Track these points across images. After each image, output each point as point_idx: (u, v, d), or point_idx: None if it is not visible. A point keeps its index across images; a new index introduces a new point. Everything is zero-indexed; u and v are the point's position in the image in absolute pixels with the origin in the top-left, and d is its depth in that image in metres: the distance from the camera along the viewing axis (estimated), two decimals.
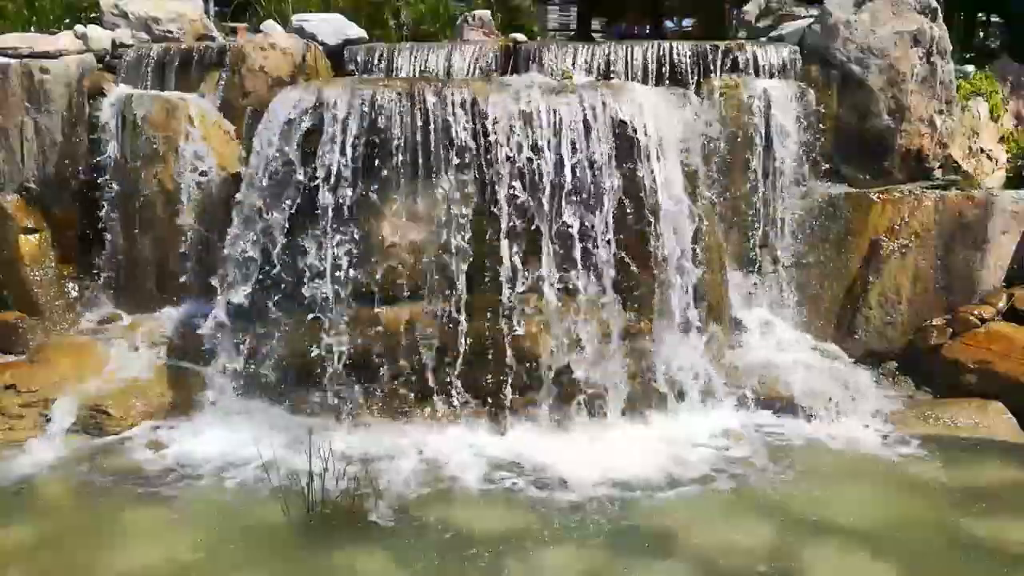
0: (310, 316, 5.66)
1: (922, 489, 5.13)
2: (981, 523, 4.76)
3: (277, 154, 5.71)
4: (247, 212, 5.83)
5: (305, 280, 5.67)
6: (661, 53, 6.83)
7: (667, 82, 6.76)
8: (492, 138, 5.60)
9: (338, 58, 7.38)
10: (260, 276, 5.78)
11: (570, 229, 5.63)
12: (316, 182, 5.62)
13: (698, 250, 6.01)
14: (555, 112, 5.62)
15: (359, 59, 7.26)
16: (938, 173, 7.14)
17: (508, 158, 5.59)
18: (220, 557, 4.45)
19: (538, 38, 9.68)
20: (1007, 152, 7.62)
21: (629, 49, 6.88)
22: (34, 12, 8.08)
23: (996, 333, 6.36)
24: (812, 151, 6.88)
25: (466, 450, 5.39)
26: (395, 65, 7.10)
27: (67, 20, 7.94)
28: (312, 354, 5.66)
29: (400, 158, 5.65)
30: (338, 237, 5.63)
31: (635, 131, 5.71)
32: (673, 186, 5.86)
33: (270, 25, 7.74)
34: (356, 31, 7.66)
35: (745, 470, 5.27)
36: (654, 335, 5.88)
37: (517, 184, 5.59)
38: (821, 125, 6.86)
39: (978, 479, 5.26)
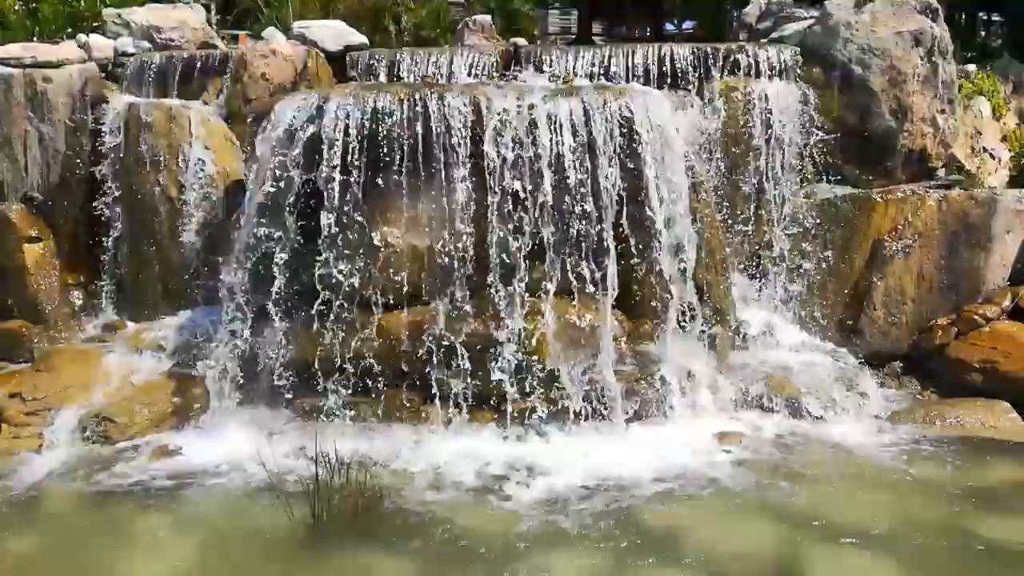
0: (313, 321, 5.67)
1: (928, 489, 5.10)
2: (988, 522, 4.73)
3: (279, 160, 5.72)
4: (250, 219, 5.84)
5: (308, 285, 5.69)
6: (662, 56, 6.84)
7: (668, 84, 6.77)
8: (493, 142, 5.60)
9: (340, 64, 7.41)
10: (263, 282, 5.79)
11: (573, 232, 5.64)
12: (318, 187, 5.63)
13: (701, 252, 6.01)
14: (557, 115, 5.62)
15: (361, 65, 7.28)
16: (941, 173, 7.14)
17: (510, 162, 5.59)
18: (226, 563, 4.45)
19: (538, 42, 9.70)
20: (1010, 151, 7.62)
21: (630, 52, 6.89)
22: (37, 22, 8.12)
23: (1001, 332, 6.35)
24: (814, 152, 6.88)
25: (469, 453, 5.38)
26: (396, 70, 7.12)
27: (69, 29, 7.97)
28: (315, 359, 5.66)
29: (402, 163, 5.65)
30: (340, 242, 5.64)
31: (637, 133, 5.71)
32: (676, 188, 5.86)
33: (272, 32, 7.78)
34: (357, 37, 7.70)
35: (749, 471, 5.25)
36: (657, 337, 5.87)
37: (519, 188, 5.59)
38: (823, 126, 6.86)
39: (984, 478, 5.24)
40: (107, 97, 6.95)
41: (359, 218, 5.65)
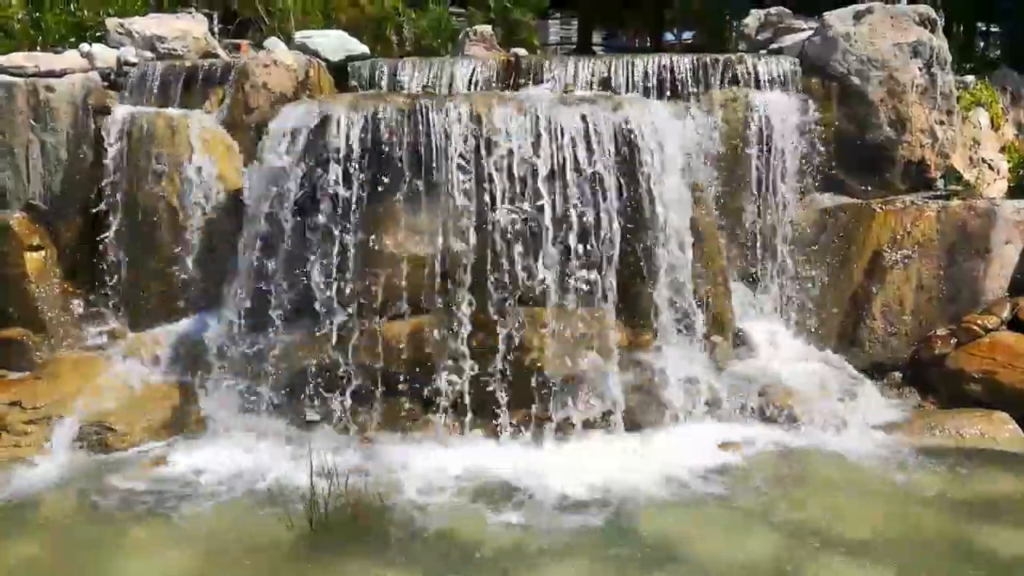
0: (313, 330, 5.68)
1: (927, 500, 5.11)
2: (987, 534, 4.74)
3: (280, 170, 5.74)
4: (251, 228, 5.86)
5: (308, 294, 5.70)
6: (662, 66, 6.86)
7: (668, 95, 6.80)
8: (494, 152, 5.62)
9: (341, 74, 7.43)
10: (263, 291, 5.80)
11: (572, 242, 5.65)
12: (318, 196, 5.65)
13: (700, 262, 6.02)
14: (557, 125, 5.65)
15: (362, 75, 7.31)
16: (940, 183, 7.16)
17: (510, 172, 5.62)
18: (223, 572, 4.45)
19: (539, 52, 9.73)
20: (1008, 162, 7.64)
21: (630, 62, 6.92)
22: (40, 31, 8.14)
23: (1000, 343, 6.35)
24: (813, 162, 6.91)
25: (469, 462, 5.38)
26: (397, 80, 7.15)
27: (72, 39, 7.99)
28: (314, 368, 5.67)
29: (402, 172, 5.68)
30: (340, 251, 5.65)
31: (637, 143, 5.74)
32: (675, 198, 5.88)
33: (273, 42, 7.79)
34: (358, 47, 7.72)
35: (749, 481, 5.26)
36: (657, 347, 5.89)
37: (519, 197, 5.61)
38: (822, 136, 6.89)
39: (984, 489, 5.24)
40: (109, 106, 6.97)
41: (359, 226, 5.67)
